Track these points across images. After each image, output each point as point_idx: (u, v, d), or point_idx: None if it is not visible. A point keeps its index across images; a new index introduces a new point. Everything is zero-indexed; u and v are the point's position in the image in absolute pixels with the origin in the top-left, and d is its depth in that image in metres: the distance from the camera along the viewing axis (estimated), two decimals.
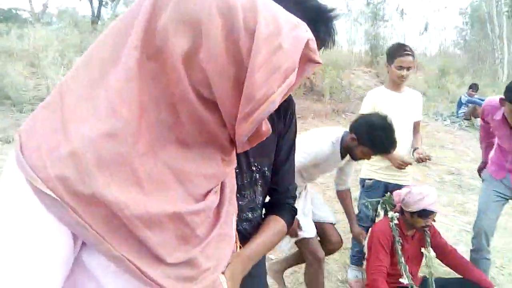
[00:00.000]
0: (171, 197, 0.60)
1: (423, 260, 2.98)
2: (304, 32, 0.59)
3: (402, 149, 2.96)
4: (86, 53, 0.60)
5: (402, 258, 2.73)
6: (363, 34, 14.39)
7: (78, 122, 0.54)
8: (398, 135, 2.91)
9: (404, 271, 2.73)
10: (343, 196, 2.98)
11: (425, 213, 2.63)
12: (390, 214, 2.95)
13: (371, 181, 3.08)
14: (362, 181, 3.18)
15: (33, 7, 14.01)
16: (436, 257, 2.96)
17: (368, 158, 2.54)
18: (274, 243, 1.20)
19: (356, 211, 3.18)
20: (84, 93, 0.56)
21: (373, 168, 3.10)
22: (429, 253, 2.83)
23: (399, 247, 2.74)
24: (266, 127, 0.65)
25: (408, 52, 2.88)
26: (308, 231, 2.55)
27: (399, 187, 2.96)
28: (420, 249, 2.87)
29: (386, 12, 15.61)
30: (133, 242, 0.57)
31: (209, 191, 0.67)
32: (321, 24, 0.87)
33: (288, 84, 0.58)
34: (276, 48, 0.55)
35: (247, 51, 0.55)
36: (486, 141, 3.13)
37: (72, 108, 0.55)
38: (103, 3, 12.96)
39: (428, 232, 2.83)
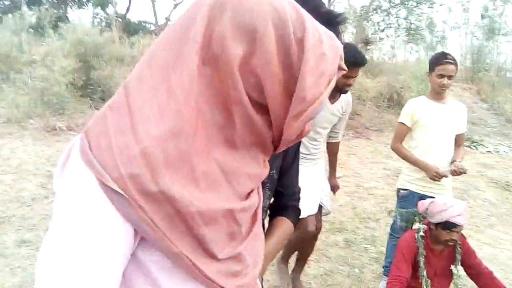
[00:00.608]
0: (222, 195, 0.63)
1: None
2: (337, 42, 0.67)
3: (441, 161, 2.90)
4: (147, 55, 0.64)
5: (424, 272, 2.68)
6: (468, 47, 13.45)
7: (146, 122, 0.57)
8: (437, 146, 2.87)
9: (426, 285, 2.68)
10: (332, 147, 3.12)
11: (448, 225, 2.55)
12: (417, 225, 2.92)
13: (405, 191, 3.04)
14: (398, 191, 3.15)
15: (157, 20, 15.82)
16: (470, 277, 2.83)
17: (348, 82, 2.58)
18: (283, 244, 1.28)
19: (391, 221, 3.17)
20: (149, 94, 0.59)
21: (408, 178, 3.07)
22: (458, 271, 2.72)
23: (422, 260, 2.69)
24: (308, 127, 0.70)
25: (450, 61, 2.82)
26: (308, 208, 2.66)
27: None
28: (450, 266, 2.77)
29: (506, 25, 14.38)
30: (190, 239, 0.60)
31: (251, 191, 0.71)
32: (332, 27, 0.94)
33: (331, 87, 0.65)
34: (321, 55, 0.62)
35: (297, 58, 0.61)
36: None
37: (138, 109, 0.58)
38: None
39: (459, 249, 2.72)
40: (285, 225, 1.24)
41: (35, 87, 6.64)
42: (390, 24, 19.87)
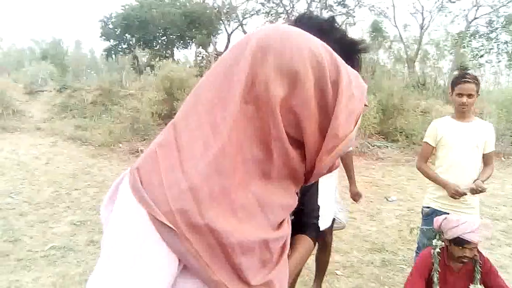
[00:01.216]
0: (257, 226, 0.66)
1: None
2: (362, 81, 0.72)
3: (463, 180, 2.87)
4: (193, 94, 0.69)
5: (438, 287, 2.66)
6: None
7: (193, 159, 0.61)
8: (460, 164, 2.88)
9: None
10: (345, 159, 3.15)
11: (460, 242, 2.52)
12: (434, 242, 2.90)
13: (428, 209, 3.03)
14: (422, 209, 3.14)
15: None
16: None
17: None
18: (305, 261, 1.30)
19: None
20: (195, 132, 0.63)
21: (432, 196, 3.05)
22: None
23: (436, 275, 2.68)
24: (338, 162, 0.75)
25: (468, 80, 2.83)
26: (323, 221, 2.79)
27: None
28: (469, 285, 2.71)
29: None
30: (228, 267, 0.64)
31: (283, 221, 0.74)
32: (355, 56, 0.96)
33: (358, 124, 0.70)
34: (351, 96, 0.68)
35: (332, 99, 0.66)
36: None
37: (186, 146, 0.62)
38: None
39: (479, 268, 2.66)
40: (306, 243, 1.26)
41: (127, 116, 7.69)
42: (491, 49, 18.62)
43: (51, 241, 3.91)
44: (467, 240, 2.49)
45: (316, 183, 1.36)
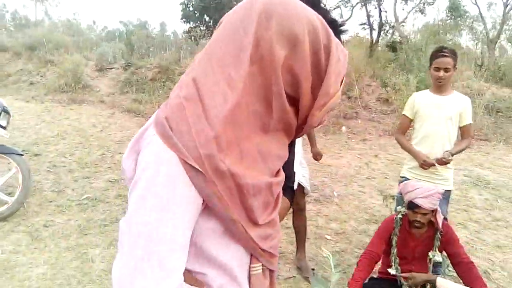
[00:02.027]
0: (260, 172, 0.75)
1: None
2: (344, 48, 0.80)
3: (436, 152, 2.95)
4: (206, 51, 0.75)
5: (395, 250, 2.82)
6: None
7: (215, 111, 0.68)
8: (433, 136, 2.97)
9: (394, 262, 2.83)
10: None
11: (412, 206, 2.66)
12: (399, 208, 3.03)
13: (403, 179, 3.14)
14: (399, 179, 3.25)
15: None
16: (452, 266, 2.83)
17: None
18: (282, 218, 1.44)
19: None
20: (214, 87, 0.70)
21: (407, 167, 3.15)
22: (434, 257, 2.77)
23: (394, 239, 2.84)
24: (325, 117, 0.82)
25: (445, 54, 2.86)
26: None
27: None
28: (429, 251, 2.83)
29: None
30: (241, 208, 0.73)
31: (279, 170, 0.83)
32: (336, 35, 1.02)
33: (343, 86, 0.80)
34: (338, 59, 0.76)
35: (324, 61, 0.74)
36: None
37: (208, 100, 0.69)
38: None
39: (439, 235, 2.78)
40: (284, 202, 1.35)
41: None
42: None
43: (87, 193, 4.59)
44: (418, 205, 2.62)
45: (293, 149, 1.47)
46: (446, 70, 2.87)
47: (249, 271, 0.83)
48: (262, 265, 0.84)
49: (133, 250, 0.66)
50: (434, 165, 2.91)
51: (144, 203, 0.66)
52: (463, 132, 3.01)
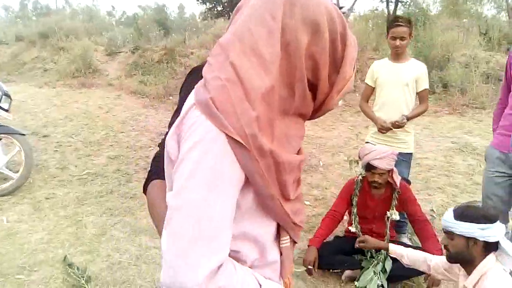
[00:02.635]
0: (288, 151, 0.80)
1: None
2: (353, 35, 0.85)
3: (394, 116, 3.09)
4: (236, 34, 0.78)
5: (355, 210, 3.02)
6: None
7: (253, 92, 0.72)
8: (391, 102, 3.12)
9: (354, 221, 3.03)
10: None
11: (369, 167, 2.84)
12: (360, 170, 3.21)
13: (367, 144, 3.30)
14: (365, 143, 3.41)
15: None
16: (410, 224, 3.01)
17: None
18: None
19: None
20: (251, 70, 0.74)
21: (370, 132, 3.31)
22: (391, 215, 2.95)
23: (355, 199, 3.03)
24: (337, 101, 0.87)
25: (400, 23, 2.98)
26: None
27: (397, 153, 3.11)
28: (387, 210, 3.01)
29: None
30: (276, 184, 0.78)
31: (300, 148, 0.88)
32: None
33: (355, 69, 0.85)
34: (351, 45, 0.82)
35: (341, 47, 0.80)
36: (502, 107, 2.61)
37: (247, 81, 0.72)
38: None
39: (396, 195, 2.95)
40: None
41: (184, 72, 8.55)
42: None
43: (88, 169, 4.93)
44: (374, 166, 2.80)
45: None
46: (402, 38, 2.99)
47: (279, 244, 0.89)
48: (289, 237, 0.90)
49: (184, 228, 0.68)
50: (391, 129, 3.07)
51: (193, 181, 0.69)
52: (420, 97, 3.15)
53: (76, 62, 9.98)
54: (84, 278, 2.82)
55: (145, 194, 1.06)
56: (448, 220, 1.94)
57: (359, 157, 2.98)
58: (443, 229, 2.00)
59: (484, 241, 1.86)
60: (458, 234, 1.90)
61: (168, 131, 0.98)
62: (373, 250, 2.83)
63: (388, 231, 2.93)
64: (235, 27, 0.79)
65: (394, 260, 2.76)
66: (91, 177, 4.72)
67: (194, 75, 1.04)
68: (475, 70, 7.01)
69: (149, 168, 1.13)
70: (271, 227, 0.85)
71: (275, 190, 0.77)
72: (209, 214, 0.69)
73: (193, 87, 0.90)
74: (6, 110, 4.39)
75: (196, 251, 0.68)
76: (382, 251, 2.77)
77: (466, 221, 1.88)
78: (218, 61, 0.76)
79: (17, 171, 4.29)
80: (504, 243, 1.86)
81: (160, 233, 0.88)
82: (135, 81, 9.14)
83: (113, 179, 4.66)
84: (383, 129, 3.09)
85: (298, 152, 0.87)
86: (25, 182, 4.32)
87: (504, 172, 2.40)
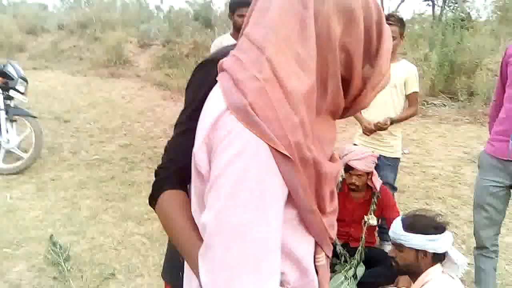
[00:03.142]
0: (323, 158, 0.70)
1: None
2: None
3: (380, 118, 3.01)
4: (267, 23, 0.68)
5: None
6: None
7: (293, 93, 0.63)
8: (378, 104, 3.05)
9: None
10: None
11: (347, 168, 2.80)
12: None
13: (354, 145, 3.24)
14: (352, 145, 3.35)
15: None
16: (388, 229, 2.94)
17: (241, 21, 3.04)
18: None
19: None
20: (287, 68, 0.65)
21: (357, 134, 3.25)
22: (368, 220, 2.89)
23: None
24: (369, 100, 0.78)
25: (391, 22, 2.90)
26: None
27: (383, 157, 3.05)
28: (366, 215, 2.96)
29: None
30: (314, 197, 0.69)
31: (332, 154, 0.80)
32: None
33: (389, 61, 0.75)
34: (386, 35, 0.74)
35: (377, 38, 0.71)
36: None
37: (286, 81, 0.63)
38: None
39: (375, 200, 2.89)
40: None
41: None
42: None
43: (97, 155, 5.13)
44: (353, 167, 2.75)
45: None
46: (392, 38, 2.90)
47: (315, 262, 0.80)
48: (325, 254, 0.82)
49: (227, 254, 0.60)
50: (375, 131, 2.99)
51: (235, 201, 0.60)
52: (409, 100, 3.04)
53: (109, 52, 10.35)
54: (64, 257, 2.95)
55: (152, 205, 0.93)
56: (397, 232, 1.89)
57: (339, 157, 2.93)
58: (391, 240, 1.95)
59: (434, 252, 1.80)
60: (408, 247, 1.84)
61: (176, 132, 0.93)
62: (347, 255, 2.78)
63: (363, 236, 2.87)
64: (263, 17, 0.69)
65: (368, 267, 2.70)
66: (98, 162, 4.90)
67: (206, 68, 0.95)
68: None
69: (156, 175, 0.96)
70: (311, 243, 0.77)
71: (314, 203, 0.70)
72: (256, 238, 0.60)
73: (204, 83, 0.84)
74: (22, 93, 4.64)
75: (241, 282, 0.59)
76: (356, 256, 2.72)
77: (416, 233, 1.83)
78: (250, 57, 0.67)
79: (28, 152, 4.53)
80: (452, 252, 1.80)
81: (176, 246, 0.82)
82: (161, 73, 9.36)
83: (118, 166, 4.82)
84: (367, 131, 3.02)
85: (331, 158, 0.78)
86: (34, 162, 4.56)
87: (501, 182, 2.27)
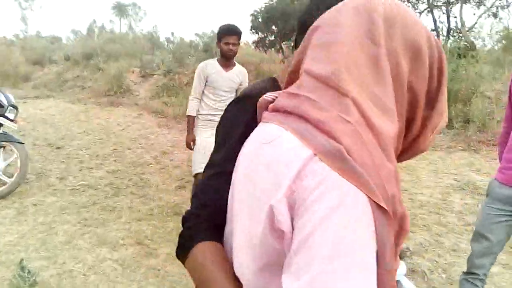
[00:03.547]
0: None
1: None
2: None
3: None
4: (332, 58, 0.62)
5: None
6: None
7: (385, 138, 0.58)
8: None
9: None
10: None
11: None
12: None
13: None
14: None
15: None
16: None
17: (229, 48, 3.32)
18: None
19: None
20: (370, 112, 0.58)
21: None
22: None
23: None
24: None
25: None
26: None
27: None
28: None
29: None
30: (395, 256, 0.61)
31: None
32: None
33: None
34: (446, 74, 0.68)
35: (438, 76, 0.66)
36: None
37: (376, 125, 0.58)
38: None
39: None
40: None
41: None
42: None
43: (84, 181, 5.12)
44: None
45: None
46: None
47: None
48: None
49: None
50: None
51: (334, 265, 0.50)
52: None
53: (110, 82, 10.56)
54: (30, 282, 2.88)
55: (181, 257, 0.83)
56: None
57: None
58: None
59: None
60: None
61: (208, 173, 0.86)
62: None
63: None
64: (327, 53, 0.63)
65: None
66: (83, 188, 4.88)
67: (240, 106, 0.88)
68: (496, 105, 6.61)
69: (185, 222, 0.86)
70: None
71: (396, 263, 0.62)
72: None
73: (240, 121, 0.81)
74: (12, 120, 4.69)
75: None
76: None
77: None
78: (324, 97, 0.60)
79: (12, 177, 4.54)
80: (404, 281, 1.71)
81: None
82: (159, 102, 9.49)
83: (102, 191, 4.79)
84: None
85: None
86: (18, 187, 4.55)
87: (509, 210, 2.18)
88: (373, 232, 0.54)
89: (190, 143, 3.44)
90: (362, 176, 0.53)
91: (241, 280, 0.69)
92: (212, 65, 3.43)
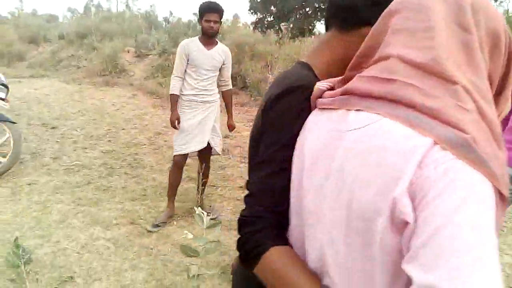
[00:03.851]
0: None
1: None
2: None
3: None
4: (429, 43, 0.61)
5: None
6: None
7: (496, 127, 0.58)
8: None
9: None
10: (225, 95, 3.68)
11: None
12: None
13: None
14: None
15: None
16: None
17: (210, 25, 3.29)
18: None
19: None
20: (480, 101, 0.59)
21: None
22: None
23: None
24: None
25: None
26: (200, 143, 3.42)
27: None
28: None
29: None
30: None
31: None
32: None
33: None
34: None
35: (507, 64, 0.66)
36: None
37: (487, 113, 0.58)
38: None
39: None
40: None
41: None
42: None
43: (78, 161, 5.15)
44: None
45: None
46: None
47: None
48: None
49: None
50: None
51: (468, 258, 0.49)
52: None
53: (105, 61, 10.48)
54: (25, 260, 2.94)
55: (249, 265, 0.79)
56: None
57: None
58: None
59: None
60: None
61: (265, 171, 0.80)
62: None
63: None
64: (421, 38, 0.62)
65: None
66: (77, 168, 4.92)
67: (294, 97, 0.82)
68: None
69: (248, 225, 0.80)
70: None
71: None
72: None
73: (299, 114, 0.78)
74: (3, 99, 4.69)
75: None
76: None
77: None
78: (428, 83, 0.59)
79: (5, 157, 4.56)
80: None
81: None
82: (154, 82, 9.45)
83: (96, 171, 4.83)
84: None
85: None
86: (12, 167, 4.58)
87: (509, 190, 2.19)
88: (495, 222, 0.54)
89: (175, 122, 3.44)
90: (489, 166, 0.54)
91: (339, 269, 0.67)
92: (193, 43, 3.39)
